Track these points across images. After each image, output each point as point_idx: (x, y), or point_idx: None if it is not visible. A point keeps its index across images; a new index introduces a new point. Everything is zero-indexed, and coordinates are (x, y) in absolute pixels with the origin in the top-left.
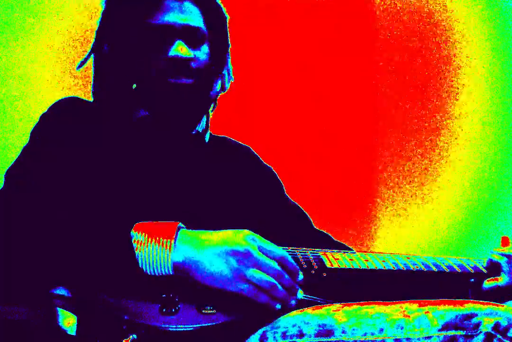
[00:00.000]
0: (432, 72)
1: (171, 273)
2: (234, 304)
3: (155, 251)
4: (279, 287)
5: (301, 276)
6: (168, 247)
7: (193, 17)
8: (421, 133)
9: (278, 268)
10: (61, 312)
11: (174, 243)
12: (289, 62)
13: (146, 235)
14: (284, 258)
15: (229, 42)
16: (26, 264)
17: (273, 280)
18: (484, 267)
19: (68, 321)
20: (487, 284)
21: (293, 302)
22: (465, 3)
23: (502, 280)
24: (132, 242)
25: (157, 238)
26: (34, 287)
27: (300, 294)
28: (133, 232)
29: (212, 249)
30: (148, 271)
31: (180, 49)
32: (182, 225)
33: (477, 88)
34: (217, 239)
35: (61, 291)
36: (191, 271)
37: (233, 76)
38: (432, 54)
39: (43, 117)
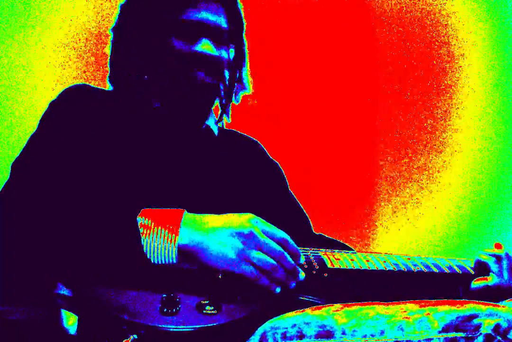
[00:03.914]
0: (432, 71)
1: (175, 261)
2: (236, 299)
3: (161, 235)
4: (280, 269)
5: (302, 276)
6: (174, 231)
7: (222, 19)
8: (421, 134)
9: (280, 249)
10: (64, 312)
11: (180, 227)
12: (292, 62)
13: (152, 220)
14: (285, 240)
15: (246, 51)
16: (31, 257)
17: (274, 262)
18: (471, 268)
19: (69, 321)
20: (475, 283)
21: (293, 284)
22: (467, 3)
23: (491, 280)
24: (139, 227)
25: (163, 223)
26: (37, 284)
27: (302, 276)
28: (139, 218)
29: (217, 231)
30: (153, 257)
31: (206, 46)
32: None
33: (478, 88)
34: (222, 222)
35: (63, 291)
36: (196, 252)
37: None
38: (432, 53)
39: (52, 104)
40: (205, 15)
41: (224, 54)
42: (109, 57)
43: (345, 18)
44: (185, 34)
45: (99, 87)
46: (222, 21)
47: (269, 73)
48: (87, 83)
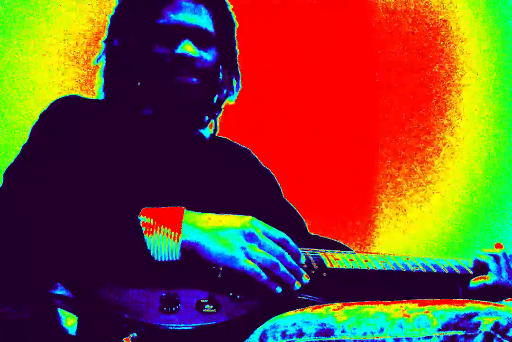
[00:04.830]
0: (433, 70)
1: (178, 258)
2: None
3: (165, 232)
4: (281, 266)
5: (306, 280)
6: (176, 228)
7: (203, 19)
8: (422, 134)
9: (281, 249)
10: (62, 312)
11: (182, 224)
12: (290, 63)
13: (154, 219)
14: (285, 240)
15: (237, 49)
16: (29, 261)
17: (275, 259)
18: (470, 268)
19: (68, 321)
20: (474, 282)
21: (297, 286)
22: (467, 4)
23: (489, 278)
24: (141, 226)
25: (165, 220)
26: (35, 286)
27: (305, 279)
28: (140, 217)
29: (219, 229)
30: (157, 255)
31: (187, 47)
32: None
33: (479, 88)
34: (223, 221)
35: (61, 291)
36: (199, 249)
37: (240, 85)
38: (432, 52)
39: (43, 115)
40: (183, 17)
41: (207, 56)
42: (101, 67)
43: (343, 16)
44: (164, 38)
45: (90, 97)
46: (204, 23)
47: (268, 73)
48: (87, 90)
